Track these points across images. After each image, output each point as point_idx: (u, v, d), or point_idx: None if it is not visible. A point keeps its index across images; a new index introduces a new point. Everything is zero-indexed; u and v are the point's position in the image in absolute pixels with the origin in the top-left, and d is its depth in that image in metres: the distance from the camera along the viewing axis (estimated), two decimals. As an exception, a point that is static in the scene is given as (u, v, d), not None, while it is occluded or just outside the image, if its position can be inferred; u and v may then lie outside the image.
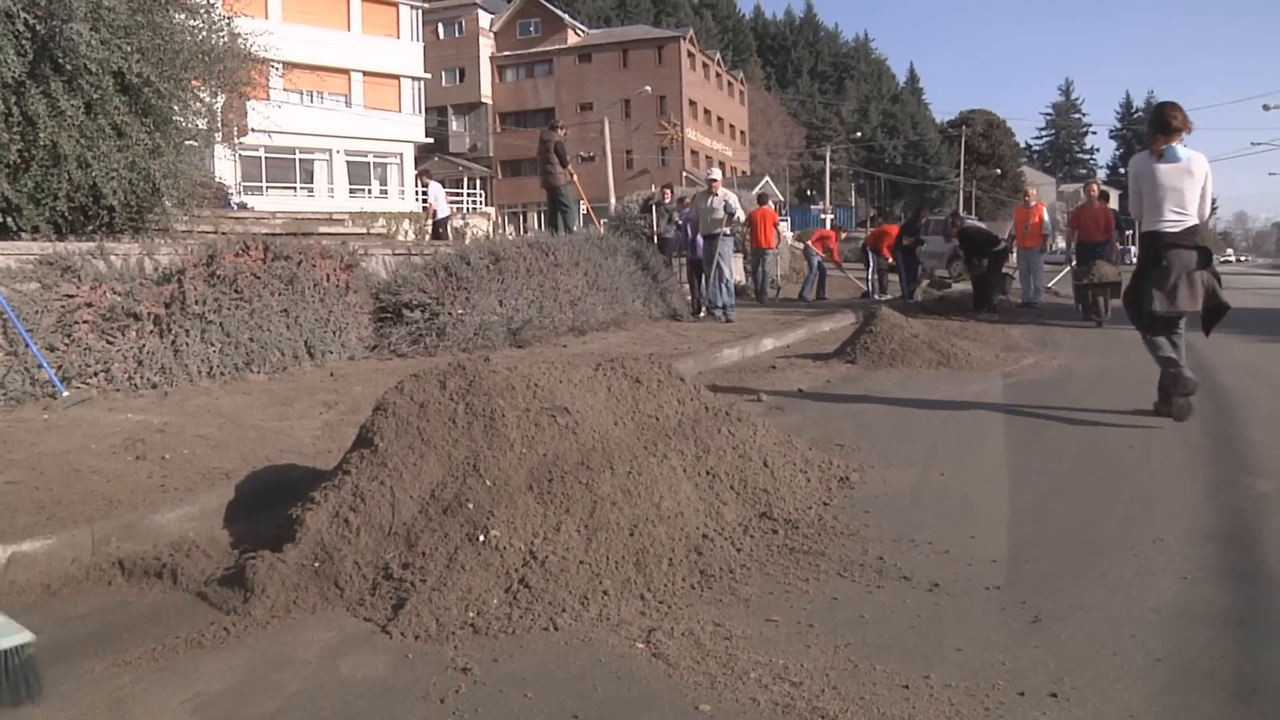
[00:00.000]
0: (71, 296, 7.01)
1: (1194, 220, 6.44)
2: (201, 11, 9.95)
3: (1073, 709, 2.65)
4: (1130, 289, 6.88)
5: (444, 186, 22.13)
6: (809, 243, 20.45)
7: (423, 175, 22.58)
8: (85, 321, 6.97)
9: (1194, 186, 6.44)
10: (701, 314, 14.04)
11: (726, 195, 13.87)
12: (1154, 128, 6.70)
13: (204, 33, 9.75)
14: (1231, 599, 3.41)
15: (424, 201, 23.52)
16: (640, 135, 63.32)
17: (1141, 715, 2.62)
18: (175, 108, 9.18)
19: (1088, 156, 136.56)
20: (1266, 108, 60.60)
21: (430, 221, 22.37)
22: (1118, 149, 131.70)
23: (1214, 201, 9.30)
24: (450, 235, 21.45)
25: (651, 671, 2.91)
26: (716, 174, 14.46)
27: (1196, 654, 2.96)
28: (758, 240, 18.02)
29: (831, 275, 20.65)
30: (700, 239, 15.26)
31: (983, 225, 21.01)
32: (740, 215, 14.40)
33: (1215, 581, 3.58)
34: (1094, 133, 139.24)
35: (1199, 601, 3.38)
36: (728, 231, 14.13)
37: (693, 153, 65.75)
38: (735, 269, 16.19)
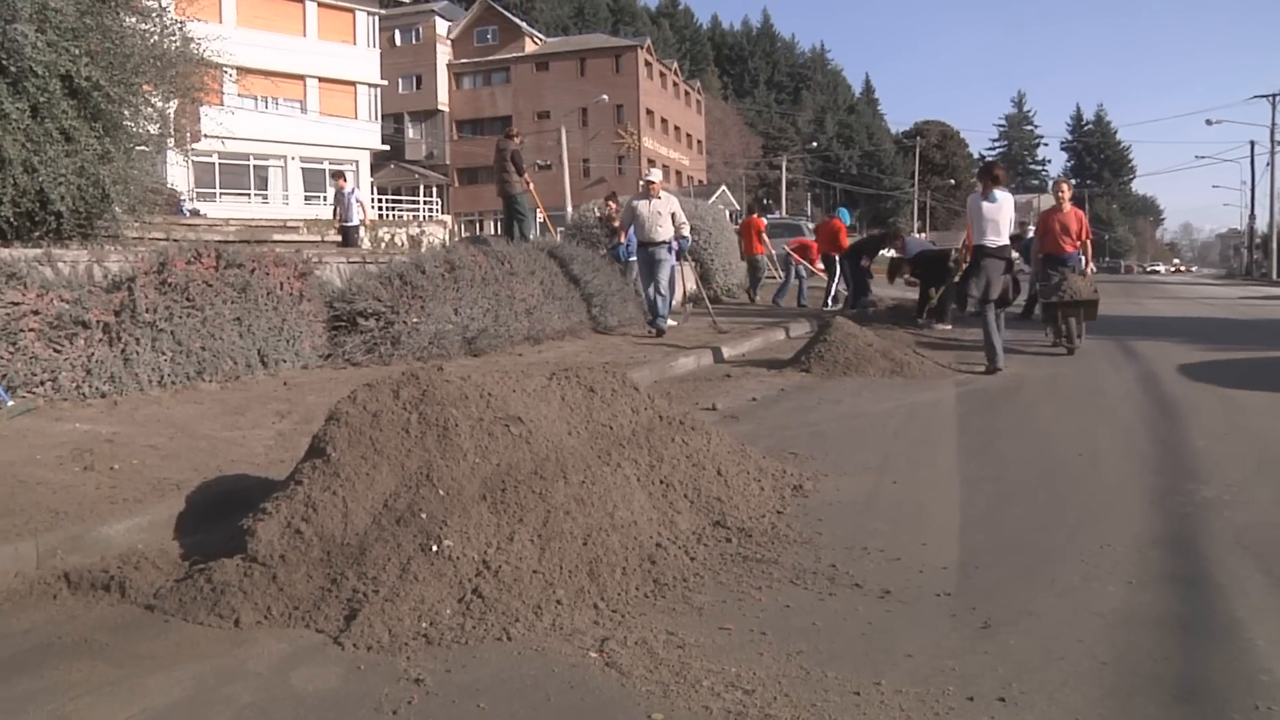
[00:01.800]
0: (17, 304, 6.88)
1: (1004, 241, 10.09)
2: (153, 15, 9.83)
3: (1021, 713, 2.69)
4: (959, 284, 12.19)
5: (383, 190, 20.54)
6: (788, 250, 20.50)
7: (337, 178, 20.70)
8: (31, 329, 6.85)
9: (1005, 218, 10.08)
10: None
11: (673, 203, 12.70)
12: (985, 177, 10.50)
13: (156, 36, 9.63)
14: (1175, 603, 3.48)
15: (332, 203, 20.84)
16: (597, 144, 63.39)
17: (1087, 718, 2.66)
18: (126, 112, 9.07)
19: (1040, 168, 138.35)
20: (1210, 122, 61.85)
21: (336, 229, 20.08)
22: (1069, 161, 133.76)
23: (1021, 224, 17.52)
24: (359, 245, 19.05)
25: (605, 681, 2.91)
26: (656, 176, 13.13)
27: (1140, 657, 3.02)
28: (751, 248, 18.36)
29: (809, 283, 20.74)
30: (631, 245, 15.12)
31: (930, 243, 21.09)
32: (690, 239, 13.26)
33: (1159, 586, 3.65)
34: (1046, 144, 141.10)
35: (1143, 606, 3.45)
36: (674, 244, 14.09)
37: (650, 162, 65.78)
38: (687, 277, 15.96)
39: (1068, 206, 12.11)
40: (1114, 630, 3.23)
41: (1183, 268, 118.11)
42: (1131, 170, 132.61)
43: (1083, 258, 12.09)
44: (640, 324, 13.75)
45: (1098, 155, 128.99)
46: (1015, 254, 15.39)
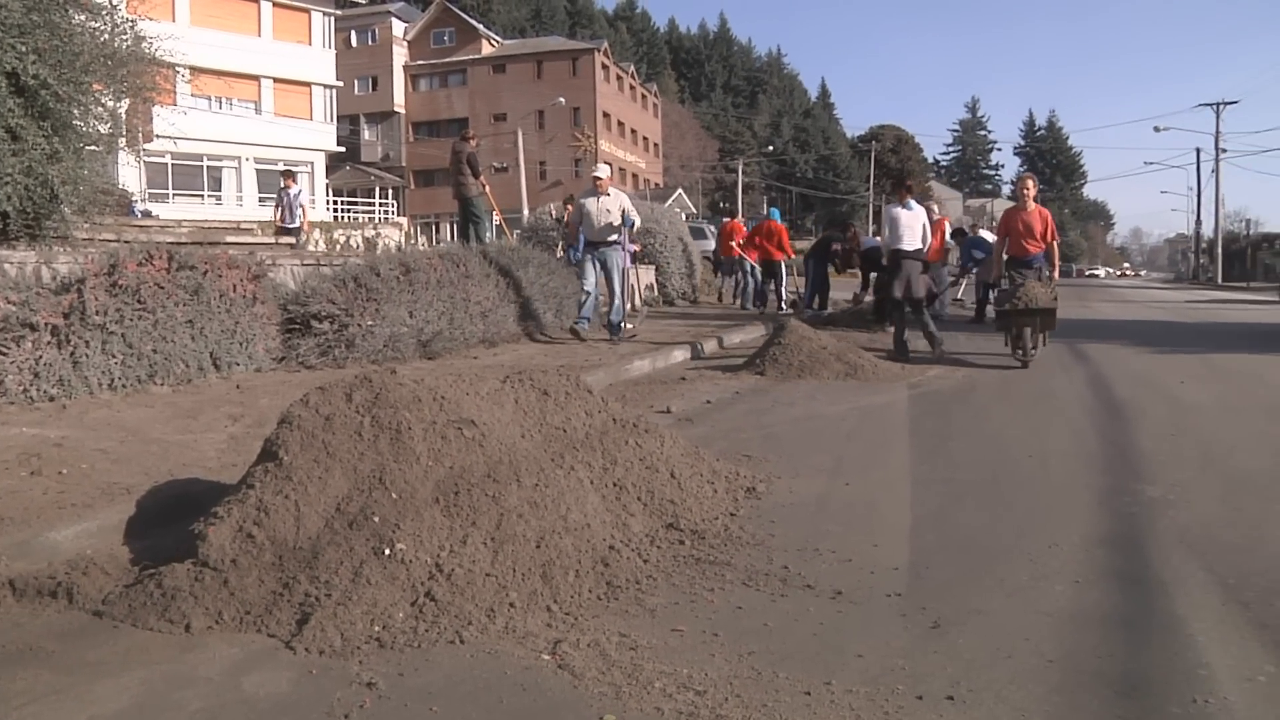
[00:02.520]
0: (-38, 306, 6.78)
1: (920, 245, 11.28)
2: (104, 13, 9.71)
3: (969, 711, 2.73)
4: (880, 284, 12.84)
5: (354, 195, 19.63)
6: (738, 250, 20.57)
7: (285, 177, 19.73)
8: (-23, 332, 6.75)
9: (919, 224, 11.35)
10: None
11: (622, 199, 12.17)
12: (900, 188, 12.05)
13: (106, 35, 9.52)
14: (1119, 601, 3.54)
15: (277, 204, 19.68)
16: (554, 147, 63.35)
17: (1033, 715, 2.71)
18: (75, 111, 8.95)
19: (993, 172, 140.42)
20: (1157, 129, 62.67)
21: (276, 229, 19.24)
22: (1021, 165, 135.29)
23: (972, 226, 18.68)
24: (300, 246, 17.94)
25: (557, 683, 2.92)
26: (603, 171, 12.50)
27: (1086, 655, 3.07)
28: (771, 253, 18.48)
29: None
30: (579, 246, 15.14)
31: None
32: (637, 222, 12.65)
33: (1105, 584, 3.72)
34: (999, 149, 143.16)
35: (1089, 604, 3.51)
36: (626, 243, 14.07)
37: (606, 164, 65.88)
38: (646, 279, 15.91)
39: (1032, 205, 11.00)
40: (1060, 628, 3.28)
41: (1130, 271, 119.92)
42: (1083, 175, 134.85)
43: (1047, 261, 11.01)
44: (597, 327, 13.76)
45: (1050, 160, 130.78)
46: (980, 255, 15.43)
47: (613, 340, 11.95)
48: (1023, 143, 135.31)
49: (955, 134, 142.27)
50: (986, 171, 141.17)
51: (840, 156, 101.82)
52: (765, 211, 20.76)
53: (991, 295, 14.67)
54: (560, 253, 14.80)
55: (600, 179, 12.17)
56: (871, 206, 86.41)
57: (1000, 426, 7.11)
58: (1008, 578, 3.80)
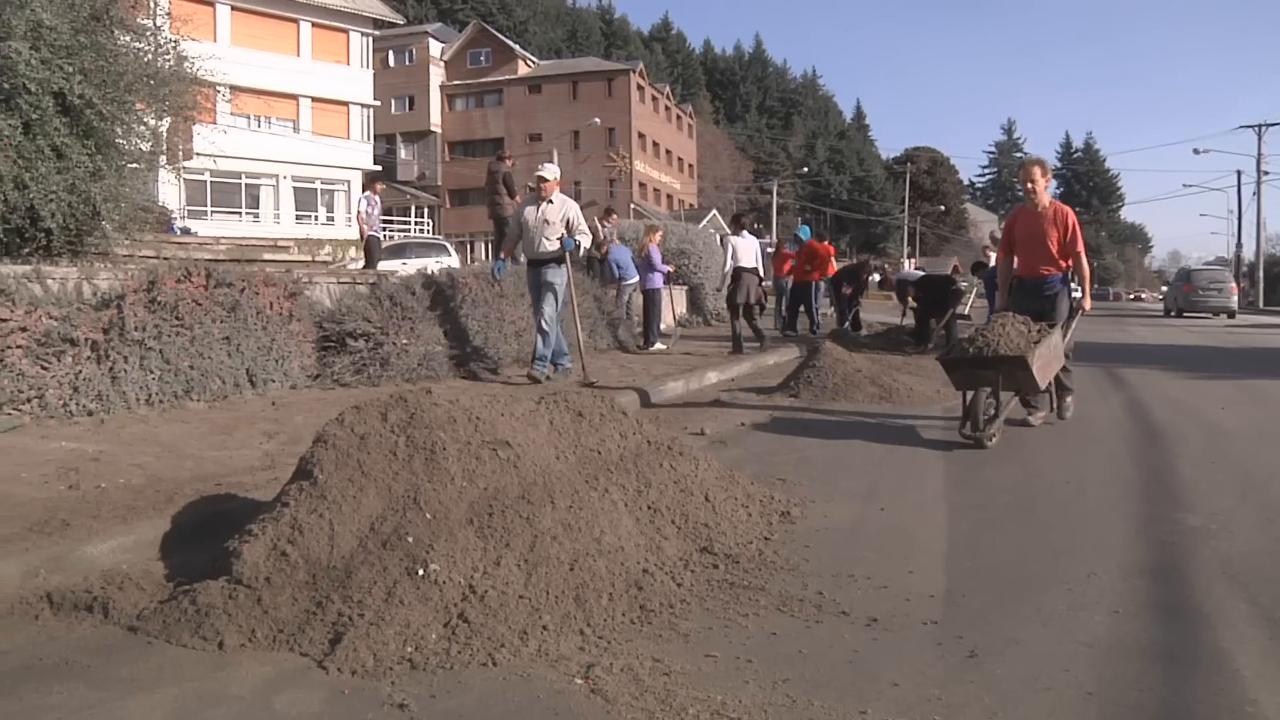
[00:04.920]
0: (5, 320, 6.87)
1: (756, 264, 14.42)
2: (148, 34, 9.89)
3: (1005, 744, 2.68)
4: (729, 294, 14.38)
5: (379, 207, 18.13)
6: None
7: (373, 183, 18.46)
8: (19, 346, 6.84)
9: (753, 250, 14.51)
10: (655, 346, 13.97)
11: (569, 208, 9.97)
12: (735, 221, 15.07)
13: (149, 55, 9.69)
14: (1160, 632, 3.47)
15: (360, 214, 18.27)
16: (589, 167, 63.58)
17: (1072, 750, 2.66)
18: (118, 130, 9.10)
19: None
20: (1197, 151, 62.17)
21: (362, 241, 18.47)
22: (1058, 188, 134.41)
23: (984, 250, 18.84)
24: (375, 260, 17.59)
25: (590, 707, 2.90)
26: (550, 172, 10.08)
27: (1126, 687, 3.01)
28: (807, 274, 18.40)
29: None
30: (623, 264, 14.99)
31: (919, 269, 21.31)
32: (586, 240, 10.11)
33: (1145, 615, 3.65)
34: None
35: (1129, 635, 3.44)
36: (659, 264, 14.03)
37: (641, 185, 66.12)
38: (679, 301, 15.77)
39: (1043, 202, 7.93)
40: (1100, 660, 3.23)
41: (1145, 295, 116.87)
42: (1120, 198, 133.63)
43: (1071, 283, 8.12)
44: (630, 346, 13.77)
45: (1086, 182, 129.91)
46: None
47: (530, 380, 9.59)
48: (1059, 165, 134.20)
49: (991, 156, 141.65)
50: (1021, 195, 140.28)
51: (875, 178, 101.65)
52: (798, 231, 20.51)
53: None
54: (593, 273, 14.67)
55: (546, 180, 9.93)
56: (906, 228, 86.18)
57: (1035, 452, 7.03)
58: (1045, 606, 3.74)
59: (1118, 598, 3.83)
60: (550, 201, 9.81)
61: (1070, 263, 7.88)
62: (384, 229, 17.56)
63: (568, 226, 9.74)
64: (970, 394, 7.19)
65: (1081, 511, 5.27)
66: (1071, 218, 7.86)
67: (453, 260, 24.91)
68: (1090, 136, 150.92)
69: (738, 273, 14.20)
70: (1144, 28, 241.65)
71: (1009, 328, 7.33)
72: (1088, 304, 8.08)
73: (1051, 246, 7.76)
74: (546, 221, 9.73)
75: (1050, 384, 7.59)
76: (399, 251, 25.81)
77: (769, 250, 21.83)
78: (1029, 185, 7.98)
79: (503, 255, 10.64)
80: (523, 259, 10.49)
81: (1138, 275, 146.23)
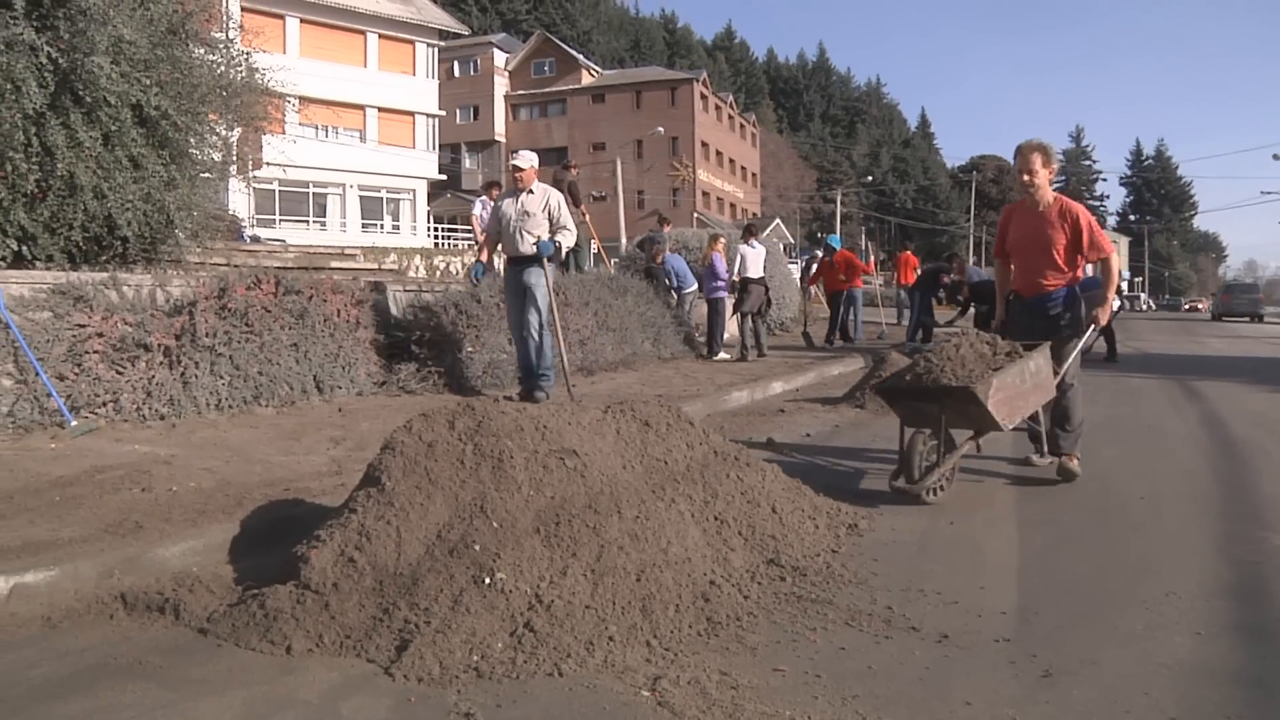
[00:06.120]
0: (83, 326, 7.03)
1: (762, 273, 14.54)
2: (220, 46, 10.06)
3: (1084, 768, 2.61)
4: (736, 303, 14.40)
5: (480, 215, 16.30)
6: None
7: (491, 187, 16.77)
8: (95, 351, 6.99)
9: (761, 259, 14.57)
10: (719, 355, 13.91)
11: (550, 197, 8.76)
12: (745, 233, 15.40)
13: (222, 67, 9.86)
14: (1246, 656, 3.36)
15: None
16: (652, 176, 63.64)
17: (1154, 776, 2.57)
18: (191, 140, 9.26)
19: (1098, 203, 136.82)
20: (1276, 157, 60.57)
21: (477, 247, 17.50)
22: (1128, 196, 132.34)
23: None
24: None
25: (656, 720, 2.87)
26: (524, 159, 8.88)
27: (1210, 713, 2.91)
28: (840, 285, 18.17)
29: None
30: (680, 273, 14.99)
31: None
32: (568, 240, 8.81)
33: (1229, 638, 3.53)
34: (1104, 179, 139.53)
35: (1213, 658, 3.33)
36: (722, 271, 13.88)
37: (704, 194, 66.04)
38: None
39: (1047, 198, 6.36)
40: (1181, 683, 3.13)
41: (1200, 305, 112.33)
42: (1193, 206, 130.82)
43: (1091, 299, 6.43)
44: (691, 357, 13.72)
45: (1158, 191, 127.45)
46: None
47: (525, 398, 8.08)
48: (1129, 172, 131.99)
49: (1060, 164, 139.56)
50: (1091, 203, 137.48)
51: (940, 187, 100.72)
52: (824, 242, 20.05)
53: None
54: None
55: (521, 170, 8.79)
56: (972, 237, 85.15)
57: (1108, 466, 6.86)
58: (1122, 626, 3.64)
59: (1199, 618, 3.71)
60: (530, 192, 8.72)
61: (1080, 273, 6.40)
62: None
63: (550, 219, 8.67)
64: (909, 433, 5.77)
65: (1158, 528, 5.12)
66: (1085, 216, 6.27)
67: None
68: (1162, 143, 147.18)
69: (745, 283, 14.21)
70: (1219, 32, 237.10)
71: (964, 349, 5.83)
72: (1104, 316, 6.29)
73: (1056, 254, 6.23)
74: (526, 214, 8.65)
75: (1042, 423, 6.35)
76: None
77: (790, 265, 21.56)
78: (1026, 177, 6.29)
79: (480, 257, 9.42)
80: (499, 261, 9.17)
81: (1210, 285, 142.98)
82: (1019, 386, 5.71)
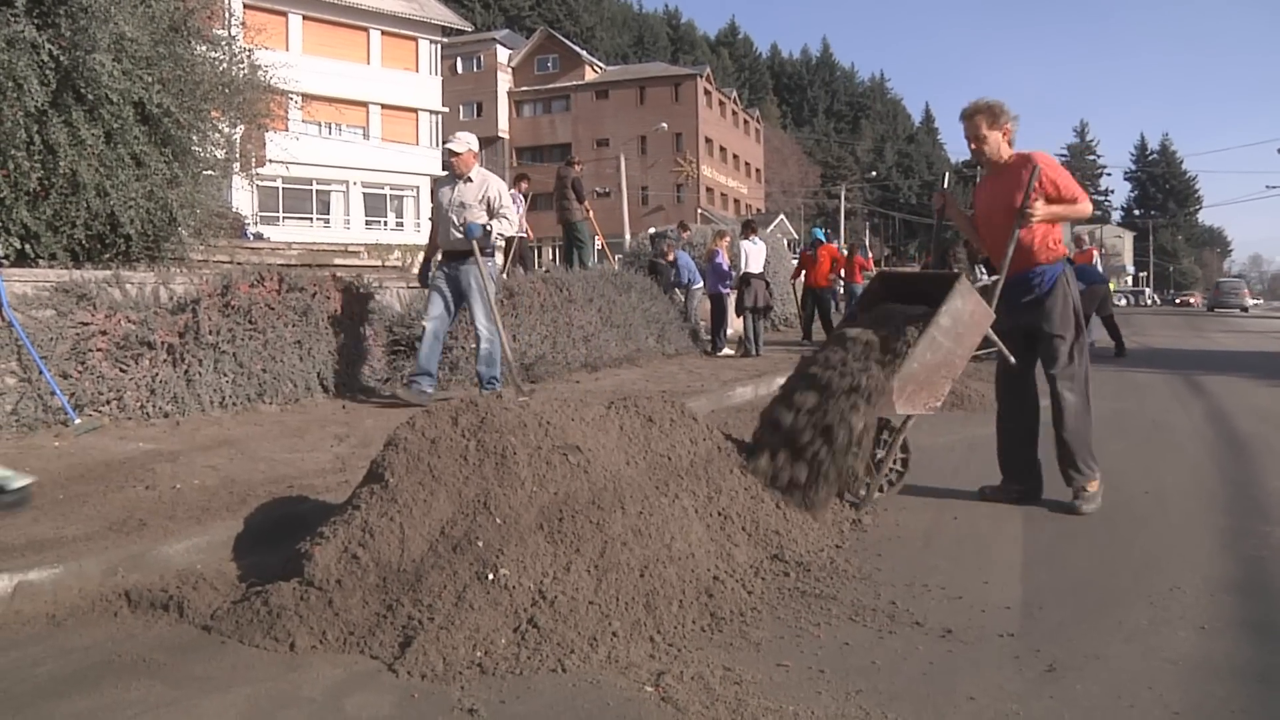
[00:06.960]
0: (86, 324, 7.03)
1: (762, 269, 14.57)
2: (223, 43, 10.06)
3: (1089, 763, 2.60)
4: (738, 299, 14.46)
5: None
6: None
7: (515, 183, 15.97)
8: (99, 349, 6.99)
9: (762, 254, 14.65)
10: (723, 351, 13.86)
11: (490, 184, 8.10)
12: (746, 228, 14.91)
13: (225, 64, 9.85)
14: (1251, 651, 3.35)
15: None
16: (656, 172, 63.63)
17: (1159, 771, 2.57)
18: (194, 138, 9.24)
19: (1103, 198, 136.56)
20: (1281, 152, 60.45)
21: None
22: (1132, 191, 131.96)
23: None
24: (527, 263, 16.25)
25: (660, 716, 2.87)
26: (460, 144, 8.13)
27: (1215, 708, 2.91)
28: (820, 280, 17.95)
29: None
30: (689, 270, 14.91)
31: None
32: (507, 229, 8.21)
33: (1234, 633, 3.52)
34: (1109, 174, 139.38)
35: (1217, 653, 3.33)
36: (724, 263, 13.86)
37: (708, 190, 66.01)
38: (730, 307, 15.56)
39: (1003, 157, 5.30)
40: (1186, 678, 3.12)
41: (1193, 300, 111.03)
42: (1198, 201, 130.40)
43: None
44: (696, 353, 13.71)
45: (1162, 185, 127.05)
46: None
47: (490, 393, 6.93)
48: (1134, 167, 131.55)
49: (1063, 158, 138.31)
50: (1096, 197, 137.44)
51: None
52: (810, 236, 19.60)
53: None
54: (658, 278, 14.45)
55: (457, 154, 8.05)
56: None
57: (1113, 461, 6.82)
58: (1126, 621, 3.63)
59: (1204, 614, 3.71)
60: (469, 180, 8.02)
61: (1062, 247, 5.39)
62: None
63: (489, 210, 8.01)
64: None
65: (1163, 524, 5.11)
66: (1041, 164, 5.06)
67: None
68: (1166, 138, 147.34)
69: (746, 278, 14.26)
70: (1224, 27, 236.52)
71: (854, 343, 5.11)
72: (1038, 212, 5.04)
73: (1034, 238, 5.24)
74: (463, 204, 7.96)
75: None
76: None
77: (792, 260, 21.36)
78: (974, 145, 5.35)
79: (426, 253, 8.76)
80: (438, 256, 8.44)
81: (1214, 280, 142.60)
82: (933, 359, 5.05)
